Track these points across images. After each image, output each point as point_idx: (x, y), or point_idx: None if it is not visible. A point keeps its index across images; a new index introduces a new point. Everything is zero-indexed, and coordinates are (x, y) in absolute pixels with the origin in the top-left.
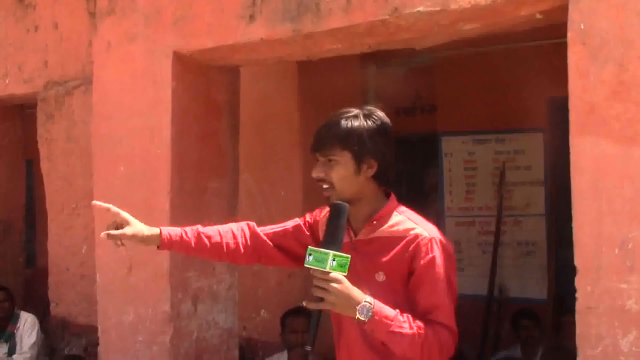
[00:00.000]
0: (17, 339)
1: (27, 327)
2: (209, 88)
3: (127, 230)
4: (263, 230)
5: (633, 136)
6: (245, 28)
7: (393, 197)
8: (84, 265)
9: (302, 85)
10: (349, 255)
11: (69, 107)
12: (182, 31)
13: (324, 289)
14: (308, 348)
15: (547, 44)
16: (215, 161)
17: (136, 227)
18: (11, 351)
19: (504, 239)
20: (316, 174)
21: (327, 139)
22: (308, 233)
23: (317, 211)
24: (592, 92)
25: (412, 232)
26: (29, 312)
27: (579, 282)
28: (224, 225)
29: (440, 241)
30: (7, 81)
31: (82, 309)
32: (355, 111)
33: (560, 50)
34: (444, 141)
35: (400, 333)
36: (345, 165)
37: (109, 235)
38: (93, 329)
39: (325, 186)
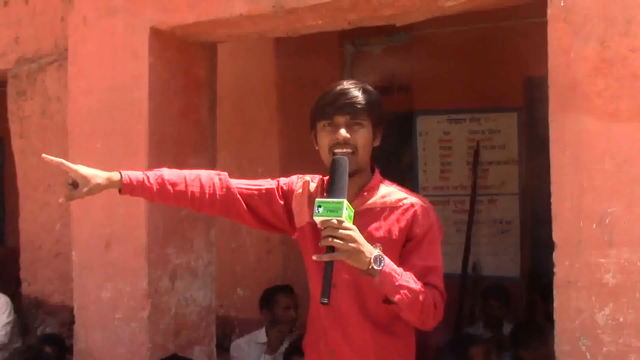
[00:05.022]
0: None
1: (1, 307)
2: (188, 63)
3: (83, 190)
4: (236, 186)
5: (614, 112)
6: (227, 3)
7: (377, 170)
8: (58, 243)
9: (279, 63)
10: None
11: (42, 83)
12: (162, 5)
13: (339, 238)
14: (325, 301)
15: (523, 24)
16: (195, 137)
17: (92, 181)
18: None
19: (479, 217)
20: (344, 135)
21: (356, 103)
22: (282, 202)
23: (293, 178)
24: (573, 69)
25: (405, 202)
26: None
27: (557, 256)
28: (193, 172)
29: (434, 210)
30: None
31: (56, 287)
32: (359, 83)
33: (536, 30)
34: (419, 120)
35: (407, 287)
36: (368, 132)
37: (67, 198)
38: (67, 308)
39: (346, 150)
